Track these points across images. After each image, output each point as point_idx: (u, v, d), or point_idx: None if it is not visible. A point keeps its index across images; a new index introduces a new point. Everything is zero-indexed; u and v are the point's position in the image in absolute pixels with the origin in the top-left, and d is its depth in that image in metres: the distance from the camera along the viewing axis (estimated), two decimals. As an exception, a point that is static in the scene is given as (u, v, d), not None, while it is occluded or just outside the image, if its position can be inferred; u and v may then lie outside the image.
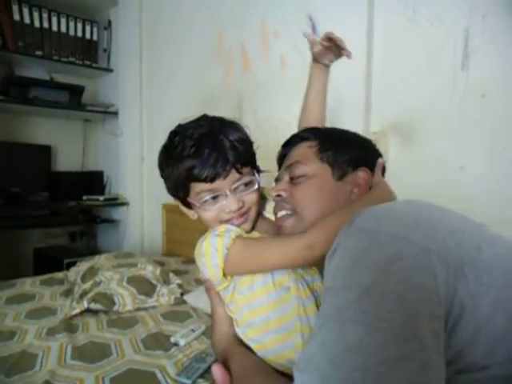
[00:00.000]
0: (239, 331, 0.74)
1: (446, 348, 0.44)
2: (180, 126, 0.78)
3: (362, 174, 0.74)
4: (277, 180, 0.83)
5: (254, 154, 0.81)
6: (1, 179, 2.55)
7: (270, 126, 1.74)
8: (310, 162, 0.75)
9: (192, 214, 0.80)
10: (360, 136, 0.86)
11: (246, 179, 0.75)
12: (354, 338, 0.42)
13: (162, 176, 0.80)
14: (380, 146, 1.35)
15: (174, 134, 0.77)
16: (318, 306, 0.71)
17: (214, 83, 2.09)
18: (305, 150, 0.78)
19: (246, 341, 0.73)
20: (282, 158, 0.84)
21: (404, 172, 1.32)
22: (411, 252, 0.47)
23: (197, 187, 0.73)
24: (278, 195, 0.77)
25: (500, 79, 1.14)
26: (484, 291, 0.47)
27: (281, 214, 0.77)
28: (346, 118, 1.48)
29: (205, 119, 0.78)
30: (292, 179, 0.76)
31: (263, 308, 0.70)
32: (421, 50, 1.30)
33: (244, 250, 0.70)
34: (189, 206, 0.78)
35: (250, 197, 0.76)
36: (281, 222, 0.76)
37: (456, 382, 0.47)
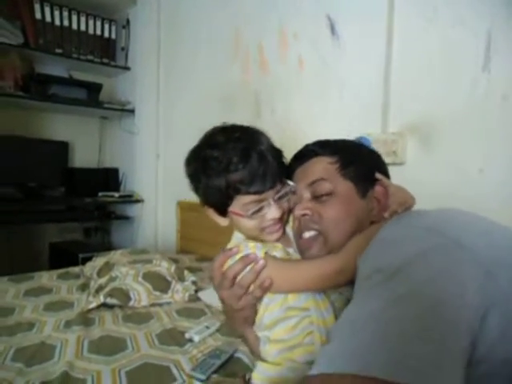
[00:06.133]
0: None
1: (479, 343, 0.44)
2: (214, 136, 0.75)
3: (379, 189, 0.72)
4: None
5: (285, 164, 0.80)
6: (19, 174, 2.60)
7: (287, 126, 1.74)
8: (334, 180, 0.73)
9: (223, 221, 0.78)
10: (363, 146, 0.84)
11: (286, 189, 0.75)
12: (377, 308, 0.44)
13: (196, 184, 0.77)
14: (398, 147, 1.36)
15: (211, 145, 0.73)
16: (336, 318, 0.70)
17: (232, 82, 2.09)
18: (326, 166, 0.74)
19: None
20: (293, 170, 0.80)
21: (422, 173, 1.31)
22: (443, 243, 0.48)
23: (244, 199, 0.71)
24: (304, 214, 0.74)
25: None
26: None
27: (309, 234, 0.74)
28: (364, 118, 1.48)
29: (239, 130, 0.75)
30: (316, 197, 0.74)
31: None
32: (440, 50, 1.29)
33: (274, 269, 0.70)
34: (223, 213, 0.77)
35: (286, 204, 0.77)
36: (308, 244, 0.74)
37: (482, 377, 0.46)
